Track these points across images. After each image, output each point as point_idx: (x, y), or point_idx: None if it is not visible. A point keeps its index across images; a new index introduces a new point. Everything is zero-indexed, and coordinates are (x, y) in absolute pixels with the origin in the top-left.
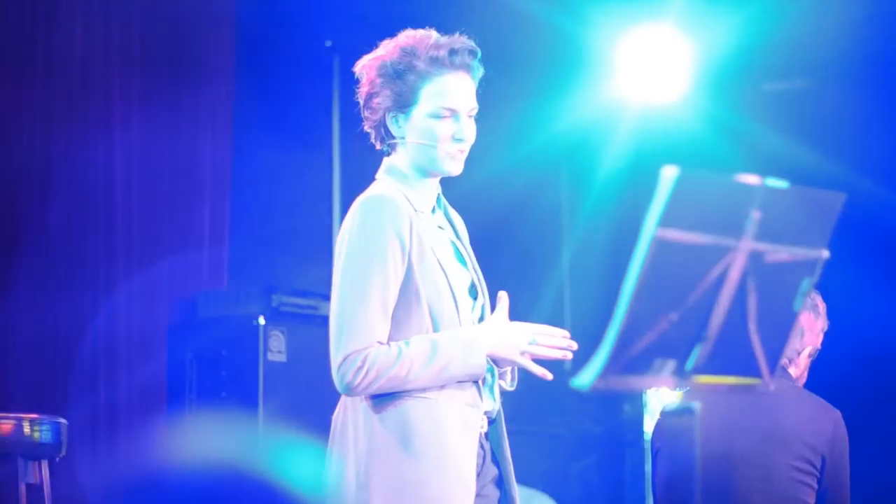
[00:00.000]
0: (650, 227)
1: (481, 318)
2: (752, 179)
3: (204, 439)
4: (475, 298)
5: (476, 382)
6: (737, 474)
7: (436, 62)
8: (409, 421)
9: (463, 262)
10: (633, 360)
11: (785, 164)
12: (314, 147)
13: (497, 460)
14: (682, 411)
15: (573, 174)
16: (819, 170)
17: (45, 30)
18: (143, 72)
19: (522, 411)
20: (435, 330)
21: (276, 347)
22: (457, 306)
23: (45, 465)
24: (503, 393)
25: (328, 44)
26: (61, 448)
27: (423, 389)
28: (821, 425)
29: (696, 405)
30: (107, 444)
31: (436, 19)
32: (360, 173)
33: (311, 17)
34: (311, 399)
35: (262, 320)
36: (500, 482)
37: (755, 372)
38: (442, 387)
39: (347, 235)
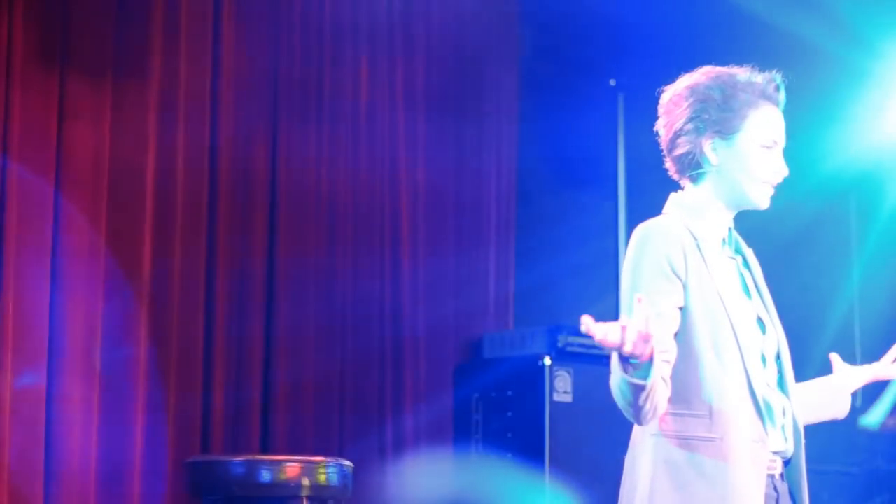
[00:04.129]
0: None
1: (778, 354)
2: None
3: (490, 484)
4: (764, 331)
5: (761, 418)
6: None
7: (762, 93)
8: (692, 462)
9: (748, 293)
10: None
11: None
12: (599, 184)
13: (795, 503)
14: None
15: (862, 203)
16: None
17: (331, 73)
18: (427, 112)
19: (811, 450)
20: (718, 359)
21: (563, 388)
22: (736, 337)
23: None
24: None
25: (612, 82)
26: (347, 490)
27: (707, 430)
28: None
29: None
30: (394, 486)
31: (720, 54)
32: (645, 210)
33: (595, 55)
34: (597, 440)
35: (547, 361)
36: None
37: None
38: (726, 425)
39: (625, 266)
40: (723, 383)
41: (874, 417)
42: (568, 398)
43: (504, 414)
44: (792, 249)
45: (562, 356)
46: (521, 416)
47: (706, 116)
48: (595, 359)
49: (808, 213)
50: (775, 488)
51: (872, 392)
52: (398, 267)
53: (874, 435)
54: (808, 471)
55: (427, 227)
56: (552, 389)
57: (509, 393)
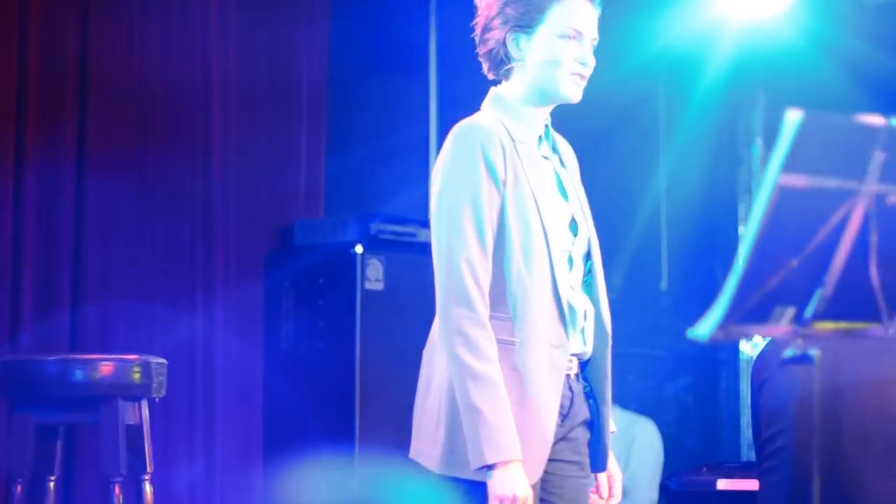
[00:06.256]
0: (772, 173)
1: (587, 253)
2: (875, 120)
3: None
4: (576, 233)
5: (563, 323)
6: (847, 420)
7: None
8: None
9: (565, 194)
10: (752, 308)
11: (888, 81)
12: (410, 69)
13: (595, 403)
14: (802, 359)
15: (671, 92)
16: None
17: None
18: None
19: (618, 333)
20: (526, 263)
21: (374, 276)
22: (547, 240)
23: (144, 405)
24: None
25: None
26: (161, 388)
27: (510, 333)
28: None
29: (816, 352)
30: (203, 379)
31: None
32: (457, 96)
33: None
34: (409, 328)
35: (359, 248)
36: (593, 425)
37: (875, 317)
38: (527, 330)
39: (440, 166)
40: (528, 287)
41: (704, 329)
42: (379, 286)
43: (315, 302)
44: (603, 138)
45: (374, 244)
46: (332, 304)
47: (509, 11)
48: (407, 246)
49: (618, 101)
50: (570, 388)
51: (694, 296)
52: (209, 154)
53: (678, 317)
54: (614, 354)
55: (238, 114)
56: (364, 277)
57: (321, 281)
